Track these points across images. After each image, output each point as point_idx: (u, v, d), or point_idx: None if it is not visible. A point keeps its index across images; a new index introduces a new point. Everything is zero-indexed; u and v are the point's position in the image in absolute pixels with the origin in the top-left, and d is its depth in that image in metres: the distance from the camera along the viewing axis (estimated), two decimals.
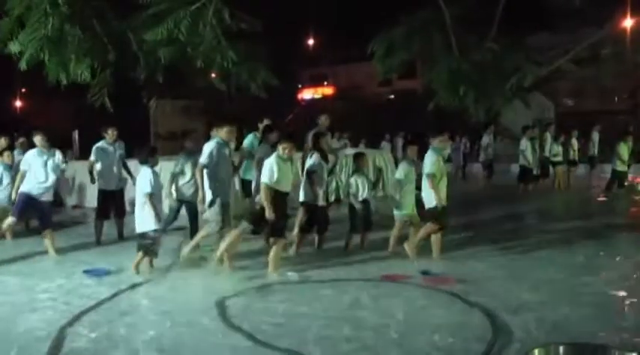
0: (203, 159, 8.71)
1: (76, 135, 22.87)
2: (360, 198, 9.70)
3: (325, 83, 54.09)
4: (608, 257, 9.39)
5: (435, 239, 9.09)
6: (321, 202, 9.51)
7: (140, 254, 8.50)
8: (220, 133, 8.95)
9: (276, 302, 7.12)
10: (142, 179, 8.49)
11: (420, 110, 16.39)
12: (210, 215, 8.86)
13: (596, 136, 19.41)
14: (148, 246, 8.48)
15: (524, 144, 17.18)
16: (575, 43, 11.25)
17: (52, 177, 9.64)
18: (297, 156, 9.53)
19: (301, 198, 9.57)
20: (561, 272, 8.38)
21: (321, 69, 52.66)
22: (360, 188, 9.70)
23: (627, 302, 7.01)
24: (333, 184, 10.22)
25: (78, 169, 16.29)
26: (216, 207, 8.76)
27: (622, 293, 7.30)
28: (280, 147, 8.31)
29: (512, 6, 9.92)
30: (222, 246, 8.49)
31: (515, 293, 7.30)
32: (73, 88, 10.06)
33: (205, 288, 7.86)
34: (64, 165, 10.14)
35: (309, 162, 9.47)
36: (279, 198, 8.18)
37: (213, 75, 10.89)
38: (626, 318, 6.48)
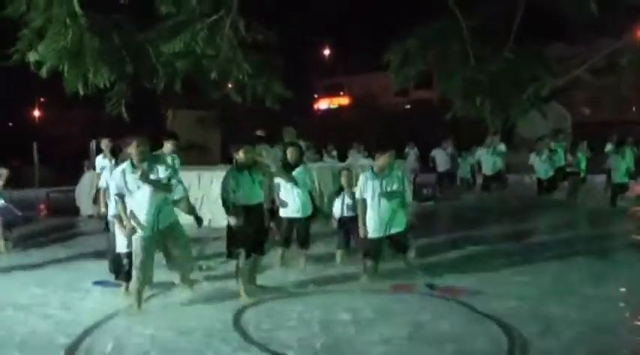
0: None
1: (93, 145, 22.98)
2: (345, 215, 9.59)
3: (341, 93, 54.16)
4: (614, 270, 9.29)
5: None
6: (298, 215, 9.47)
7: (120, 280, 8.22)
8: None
9: (287, 313, 7.14)
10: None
11: (436, 120, 16.38)
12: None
13: (610, 147, 19.30)
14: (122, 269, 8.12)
15: (533, 158, 17.34)
16: (592, 53, 11.18)
17: None
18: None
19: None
20: (572, 285, 8.34)
21: (337, 79, 52.76)
22: (339, 206, 9.63)
23: None
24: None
25: (95, 179, 16.42)
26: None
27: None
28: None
29: (529, 17, 9.87)
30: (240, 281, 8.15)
31: (530, 305, 7.25)
32: (91, 99, 10.12)
33: (217, 300, 7.83)
34: None
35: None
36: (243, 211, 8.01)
37: (229, 85, 10.92)
38: None
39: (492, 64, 9.81)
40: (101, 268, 9.64)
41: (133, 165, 7.46)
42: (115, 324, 6.85)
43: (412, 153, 22.79)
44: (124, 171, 7.46)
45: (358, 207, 8.64)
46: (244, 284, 7.99)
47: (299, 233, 9.54)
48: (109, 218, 8.19)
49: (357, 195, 8.63)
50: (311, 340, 6.18)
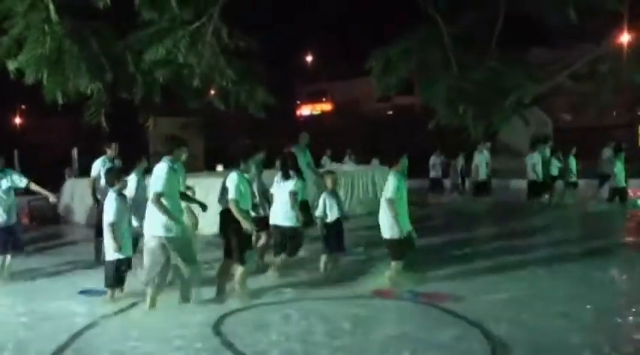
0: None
1: (75, 152, 22.80)
2: (331, 219, 9.59)
3: (324, 99, 54.23)
4: (603, 275, 9.30)
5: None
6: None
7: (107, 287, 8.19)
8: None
9: (269, 321, 7.09)
10: (107, 205, 8.12)
11: (419, 126, 16.41)
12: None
13: (608, 152, 19.39)
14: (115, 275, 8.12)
15: (537, 157, 17.19)
16: (573, 58, 11.22)
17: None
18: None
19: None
20: (557, 290, 8.35)
21: (320, 85, 52.81)
22: (328, 209, 9.56)
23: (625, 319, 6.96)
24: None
25: (77, 187, 16.28)
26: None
27: (621, 312, 7.25)
28: None
29: (510, 23, 9.90)
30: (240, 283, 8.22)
31: (513, 312, 7.23)
32: (72, 106, 10.03)
33: (198, 308, 7.76)
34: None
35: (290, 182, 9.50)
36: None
37: (212, 92, 10.88)
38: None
39: (474, 71, 9.83)
40: (86, 277, 9.56)
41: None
42: (96, 334, 6.76)
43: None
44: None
45: (387, 207, 8.57)
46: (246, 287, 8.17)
47: (291, 241, 9.53)
48: (106, 225, 8.06)
49: (390, 196, 8.58)
50: (292, 347, 6.13)
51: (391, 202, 8.50)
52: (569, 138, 23.41)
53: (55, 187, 16.55)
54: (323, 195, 9.56)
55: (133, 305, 7.88)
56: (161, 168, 7.52)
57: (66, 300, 8.21)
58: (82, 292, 8.59)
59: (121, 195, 8.25)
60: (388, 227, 8.59)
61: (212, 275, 8.59)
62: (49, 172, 17.82)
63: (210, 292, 8.11)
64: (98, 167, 10.64)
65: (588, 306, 7.46)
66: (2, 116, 41.72)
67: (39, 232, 15.05)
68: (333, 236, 9.47)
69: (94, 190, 10.64)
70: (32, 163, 22.57)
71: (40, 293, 8.65)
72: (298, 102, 53.51)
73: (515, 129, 14.58)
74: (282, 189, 9.56)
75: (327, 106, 52.93)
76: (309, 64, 49.51)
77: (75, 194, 16.32)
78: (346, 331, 6.70)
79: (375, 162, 22.99)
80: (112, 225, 7.98)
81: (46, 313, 7.67)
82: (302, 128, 37.84)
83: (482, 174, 19.56)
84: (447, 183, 23.70)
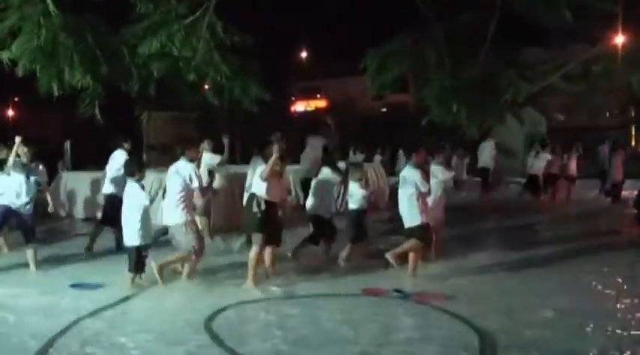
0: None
1: (67, 145, 22.77)
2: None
3: (318, 96, 54.16)
4: (596, 272, 9.36)
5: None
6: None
7: (131, 272, 8.37)
8: None
9: (262, 318, 7.09)
10: (132, 192, 8.37)
11: (413, 123, 16.44)
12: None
13: (605, 150, 19.74)
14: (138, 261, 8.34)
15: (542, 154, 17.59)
16: (567, 58, 11.27)
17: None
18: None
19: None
20: (552, 289, 8.37)
21: (314, 82, 52.75)
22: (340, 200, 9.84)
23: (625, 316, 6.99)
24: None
25: (69, 180, 16.24)
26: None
27: (612, 311, 7.29)
28: None
29: (505, 22, 9.93)
30: (250, 272, 8.42)
31: (507, 312, 7.24)
32: (66, 99, 10.02)
33: (192, 303, 7.76)
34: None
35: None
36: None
37: (206, 86, 10.88)
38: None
39: (468, 70, 9.86)
40: (78, 270, 9.53)
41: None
42: (89, 329, 6.72)
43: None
44: None
45: (416, 198, 8.82)
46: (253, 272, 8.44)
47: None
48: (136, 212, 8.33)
49: (422, 188, 8.82)
50: (281, 345, 6.13)
51: (424, 195, 8.88)
52: (563, 138, 23.52)
53: (49, 180, 16.53)
54: (352, 186, 9.85)
55: (127, 298, 7.88)
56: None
57: (57, 294, 8.14)
58: (74, 285, 8.54)
59: (140, 184, 8.46)
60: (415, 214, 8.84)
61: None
62: (43, 165, 17.73)
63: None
64: (121, 160, 10.47)
65: (584, 305, 7.50)
66: None
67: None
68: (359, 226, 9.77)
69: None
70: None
71: (31, 287, 8.56)
72: (292, 98, 53.44)
73: (509, 128, 14.63)
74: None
75: (321, 103, 52.87)
76: (303, 60, 49.39)
77: (69, 187, 16.25)
78: (337, 329, 6.70)
79: (378, 158, 23.03)
80: (145, 206, 8.31)
81: (37, 306, 7.60)
82: (295, 124, 37.82)
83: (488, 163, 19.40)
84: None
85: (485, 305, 7.49)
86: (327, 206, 10.01)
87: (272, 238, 8.59)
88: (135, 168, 8.54)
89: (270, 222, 8.53)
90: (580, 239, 12.30)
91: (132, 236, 8.33)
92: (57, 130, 33.86)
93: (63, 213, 15.93)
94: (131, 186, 8.41)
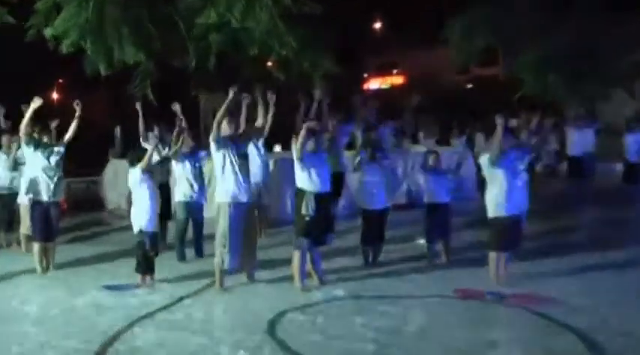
0: None
1: (117, 131, 23.24)
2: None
3: (394, 71, 53.92)
4: None
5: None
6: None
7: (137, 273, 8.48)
8: None
9: (331, 321, 7.09)
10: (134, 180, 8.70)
11: (502, 100, 16.17)
12: None
13: None
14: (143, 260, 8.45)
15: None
16: None
17: None
18: None
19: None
20: None
21: (390, 56, 52.51)
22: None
23: None
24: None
25: (119, 168, 16.51)
26: None
27: None
28: None
29: None
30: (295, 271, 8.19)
31: (611, 315, 7.06)
32: (114, 80, 10.18)
33: (250, 306, 7.80)
34: None
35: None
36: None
37: (269, 63, 10.92)
38: None
39: (568, 36, 9.67)
40: (117, 269, 9.45)
41: None
42: (140, 334, 6.80)
43: None
44: None
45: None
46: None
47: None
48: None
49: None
50: (357, 351, 6.13)
51: None
52: None
53: (98, 169, 16.86)
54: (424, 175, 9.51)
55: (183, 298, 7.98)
56: None
57: (99, 293, 8.20)
58: (108, 287, 8.51)
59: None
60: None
61: None
62: (91, 151, 18.11)
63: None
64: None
65: None
66: (39, 91, 42.79)
67: (76, 219, 15.00)
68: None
69: None
70: (71, 142, 23.13)
71: (72, 286, 8.62)
72: (366, 75, 53.31)
73: (618, 105, 14.29)
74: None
75: (397, 79, 52.59)
76: (378, 32, 49.19)
77: (118, 176, 16.50)
78: (423, 334, 6.68)
79: (458, 141, 21.67)
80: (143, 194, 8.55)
81: (88, 304, 7.74)
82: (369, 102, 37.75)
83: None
84: None
85: (592, 312, 7.26)
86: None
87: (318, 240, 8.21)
88: (134, 158, 8.84)
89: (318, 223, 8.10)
90: None
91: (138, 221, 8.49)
92: (105, 114, 34.57)
93: (111, 205, 16.11)
94: (133, 173, 8.73)
